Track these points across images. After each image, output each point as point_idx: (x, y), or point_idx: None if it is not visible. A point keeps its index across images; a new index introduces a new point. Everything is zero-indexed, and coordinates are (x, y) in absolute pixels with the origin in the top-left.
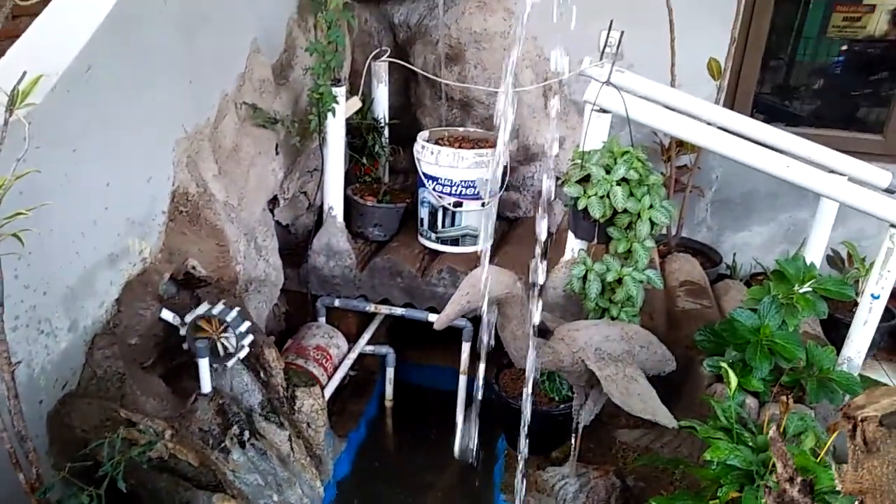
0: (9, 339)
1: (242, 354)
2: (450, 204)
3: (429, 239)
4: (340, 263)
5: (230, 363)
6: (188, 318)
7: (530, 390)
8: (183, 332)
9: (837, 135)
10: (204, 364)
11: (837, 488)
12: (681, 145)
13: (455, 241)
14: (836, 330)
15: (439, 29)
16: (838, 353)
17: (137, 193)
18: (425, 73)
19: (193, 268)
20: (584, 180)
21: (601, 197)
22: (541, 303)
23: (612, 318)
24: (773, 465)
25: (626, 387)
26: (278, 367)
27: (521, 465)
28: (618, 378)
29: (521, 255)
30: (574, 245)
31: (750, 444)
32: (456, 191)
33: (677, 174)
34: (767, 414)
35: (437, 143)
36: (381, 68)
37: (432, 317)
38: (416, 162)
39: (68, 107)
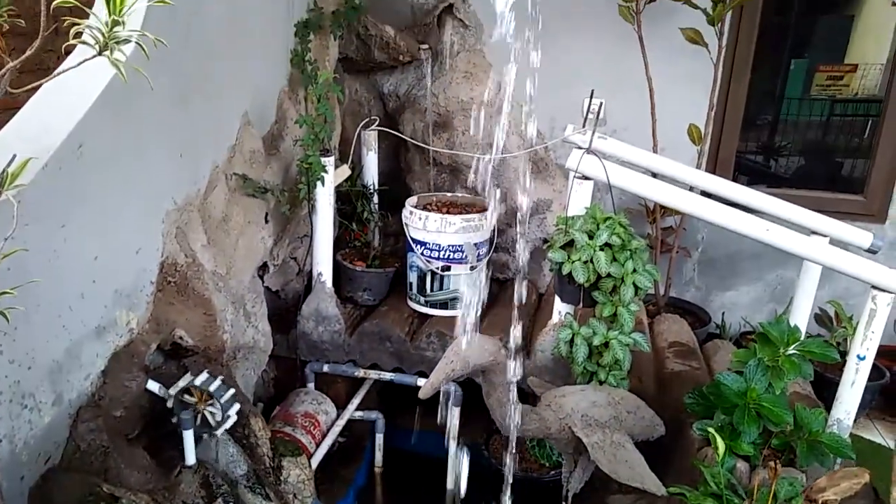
0: None
1: (228, 425)
2: (438, 268)
3: (418, 303)
4: (329, 329)
5: (216, 433)
6: (173, 390)
7: (513, 457)
8: (169, 402)
9: (819, 195)
10: (189, 436)
11: None
12: (665, 207)
13: (444, 305)
14: (827, 388)
15: (427, 98)
16: (829, 413)
17: (126, 265)
18: (414, 141)
19: (181, 338)
20: (569, 245)
21: (585, 262)
22: (521, 369)
23: (601, 382)
24: None
25: (614, 454)
26: (264, 437)
27: None
28: (605, 445)
29: (510, 318)
30: (561, 308)
31: None
32: (444, 255)
33: (663, 235)
34: (757, 479)
35: (425, 208)
36: (371, 136)
37: (421, 381)
38: (405, 227)
39: (59, 183)
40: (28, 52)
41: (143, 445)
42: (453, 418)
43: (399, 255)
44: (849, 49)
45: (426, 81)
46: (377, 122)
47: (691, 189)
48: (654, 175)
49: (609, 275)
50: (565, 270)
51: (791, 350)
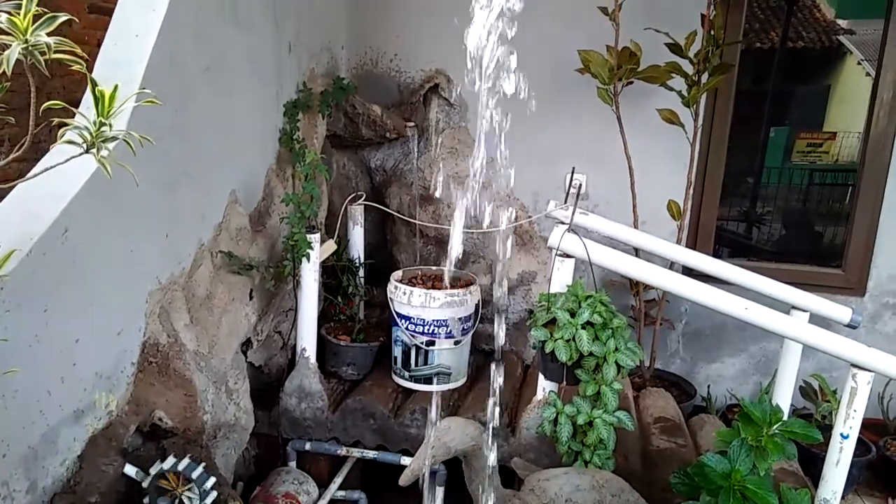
0: None
1: None
2: (422, 343)
3: (402, 377)
4: (312, 405)
5: None
6: (150, 475)
7: None
8: (145, 483)
9: (800, 269)
10: None
11: None
12: None
13: (428, 380)
14: (814, 465)
15: (414, 172)
16: (816, 491)
17: (107, 347)
18: (400, 215)
19: (160, 419)
20: (551, 323)
21: (567, 340)
22: (495, 452)
23: (586, 462)
24: None
25: None
26: None
27: None
28: None
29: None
30: (545, 385)
31: None
32: (428, 330)
33: (647, 307)
34: None
35: (409, 282)
36: (357, 211)
37: (405, 460)
38: (389, 301)
39: (42, 269)
40: (13, 154)
41: None
42: (437, 499)
43: (385, 327)
44: (827, 117)
45: (412, 157)
46: (364, 197)
47: (672, 264)
48: (636, 250)
49: (591, 353)
50: (548, 349)
51: (774, 430)
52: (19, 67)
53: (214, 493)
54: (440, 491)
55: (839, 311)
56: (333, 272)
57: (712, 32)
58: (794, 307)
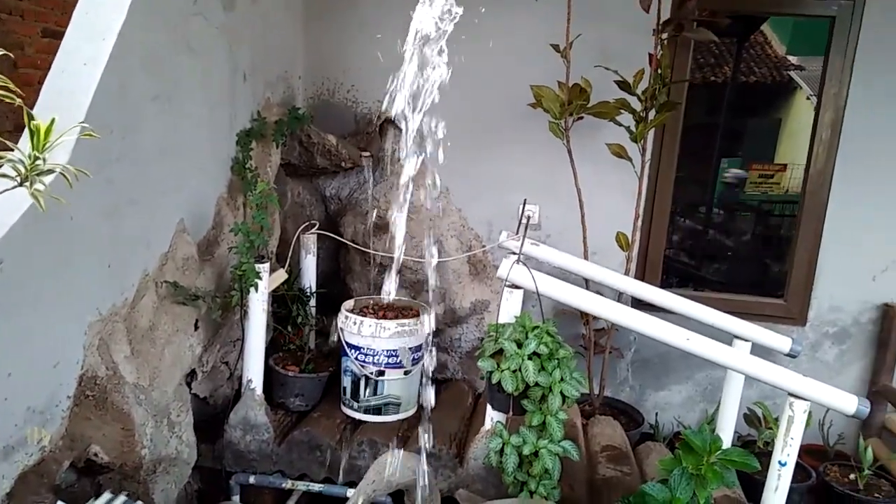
0: None
1: None
2: (372, 373)
3: (351, 408)
4: (258, 438)
5: None
6: None
7: None
8: None
9: (744, 299)
10: None
11: None
12: None
13: (377, 410)
14: (757, 492)
15: (369, 202)
16: None
17: (41, 380)
18: (354, 244)
19: (96, 454)
20: (499, 353)
21: (514, 371)
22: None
23: (531, 493)
24: None
25: None
26: None
27: None
28: None
29: (448, 420)
30: (493, 415)
31: None
32: (378, 360)
33: (596, 336)
34: None
35: (361, 311)
36: (310, 240)
37: (351, 492)
38: (339, 332)
39: None
40: None
41: None
42: None
43: (336, 355)
44: (777, 150)
45: (368, 186)
46: (317, 226)
47: (621, 295)
48: (587, 280)
49: (537, 384)
50: (495, 379)
51: (713, 458)
52: None
53: None
54: None
55: (780, 340)
56: (284, 301)
57: (659, 71)
58: (736, 337)
